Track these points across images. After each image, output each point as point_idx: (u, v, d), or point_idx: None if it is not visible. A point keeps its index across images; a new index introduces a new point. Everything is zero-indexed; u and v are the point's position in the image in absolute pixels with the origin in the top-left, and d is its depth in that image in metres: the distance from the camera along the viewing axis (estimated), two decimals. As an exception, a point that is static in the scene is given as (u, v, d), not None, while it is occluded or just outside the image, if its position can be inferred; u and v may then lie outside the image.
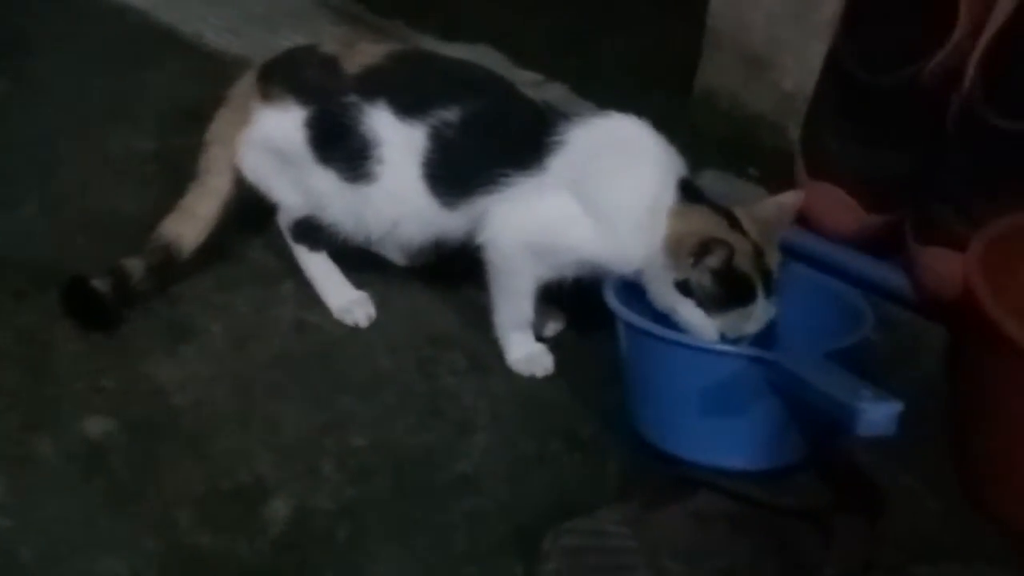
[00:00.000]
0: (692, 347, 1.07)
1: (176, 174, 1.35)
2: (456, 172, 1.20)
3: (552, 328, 1.31)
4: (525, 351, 1.25)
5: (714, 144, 1.60)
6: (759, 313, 1.10)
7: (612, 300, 1.13)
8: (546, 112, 1.22)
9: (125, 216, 1.43)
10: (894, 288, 1.35)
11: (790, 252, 1.32)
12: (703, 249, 1.08)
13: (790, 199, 1.18)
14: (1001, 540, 1.06)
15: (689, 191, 1.15)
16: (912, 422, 0.96)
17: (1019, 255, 1.14)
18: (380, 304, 1.32)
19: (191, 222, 1.29)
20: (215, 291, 1.33)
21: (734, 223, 1.12)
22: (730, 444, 1.08)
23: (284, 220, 1.32)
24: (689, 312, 1.11)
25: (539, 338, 1.27)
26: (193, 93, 1.66)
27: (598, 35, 1.93)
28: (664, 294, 1.12)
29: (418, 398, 1.21)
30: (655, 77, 1.78)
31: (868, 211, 1.37)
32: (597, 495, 1.08)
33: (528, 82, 1.81)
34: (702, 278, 1.09)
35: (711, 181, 1.48)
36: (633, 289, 1.16)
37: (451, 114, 1.20)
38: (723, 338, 1.10)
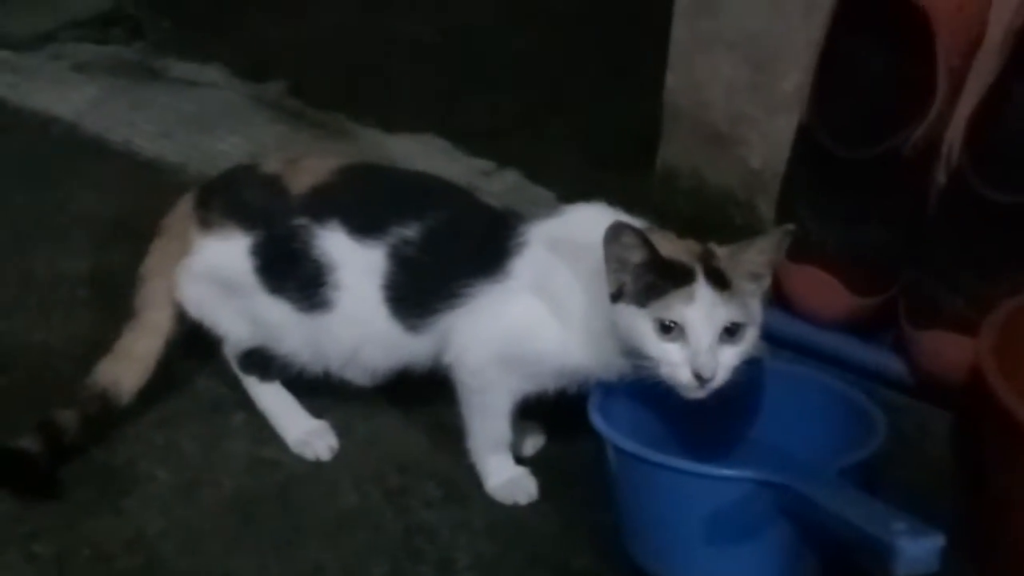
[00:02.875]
0: (692, 473, 0.96)
1: (112, 298, 1.25)
2: (418, 291, 1.12)
3: (532, 446, 1.21)
4: (505, 476, 1.16)
5: (679, 224, 1.51)
6: (703, 296, 0.99)
7: (598, 420, 1.03)
8: (507, 216, 1.15)
9: (56, 351, 1.33)
10: (890, 373, 1.30)
11: (777, 340, 1.26)
12: (613, 233, 0.99)
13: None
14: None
15: None
16: (926, 518, 0.88)
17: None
18: (341, 432, 1.22)
19: (129, 364, 1.18)
20: (158, 429, 1.23)
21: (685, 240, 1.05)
22: (741, 574, 0.99)
23: (231, 351, 1.23)
24: (625, 315, 1.01)
25: (519, 459, 1.18)
26: (126, 205, 1.58)
27: (549, 116, 1.87)
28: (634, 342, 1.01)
29: (391, 538, 1.11)
30: (612, 157, 1.72)
31: (854, 292, 1.30)
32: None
33: (478, 170, 1.75)
34: (626, 275, 1.01)
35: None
36: (622, 403, 1.07)
37: (410, 231, 1.12)
38: (662, 328, 0.99)
